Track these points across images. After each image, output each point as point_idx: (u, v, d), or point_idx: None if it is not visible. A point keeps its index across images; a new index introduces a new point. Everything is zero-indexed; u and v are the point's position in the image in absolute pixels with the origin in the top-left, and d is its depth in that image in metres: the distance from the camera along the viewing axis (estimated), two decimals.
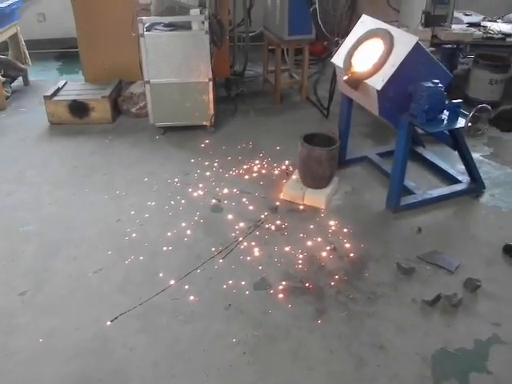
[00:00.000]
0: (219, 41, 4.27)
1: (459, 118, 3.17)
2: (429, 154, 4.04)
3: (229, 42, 5.33)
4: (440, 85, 3.02)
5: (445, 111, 3.16)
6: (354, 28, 3.46)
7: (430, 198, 3.50)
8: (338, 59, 3.47)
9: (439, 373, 2.28)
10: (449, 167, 3.85)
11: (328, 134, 3.60)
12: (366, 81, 3.13)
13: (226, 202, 3.50)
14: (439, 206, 3.49)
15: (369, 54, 3.22)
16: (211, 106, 4.31)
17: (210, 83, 4.21)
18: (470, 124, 2.93)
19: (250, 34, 5.61)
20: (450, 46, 4.89)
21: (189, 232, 3.19)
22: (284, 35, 4.69)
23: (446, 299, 2.69)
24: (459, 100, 3.13)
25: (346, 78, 3.24)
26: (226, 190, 3.62)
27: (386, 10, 6.23)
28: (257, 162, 3.98)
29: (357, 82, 3.18)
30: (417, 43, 2.97)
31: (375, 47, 3.18)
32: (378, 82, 3.05)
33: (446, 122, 3.16)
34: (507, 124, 4.56)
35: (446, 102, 3.10)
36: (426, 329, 2.52)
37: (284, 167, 3.88)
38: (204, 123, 4.40)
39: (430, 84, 3.01)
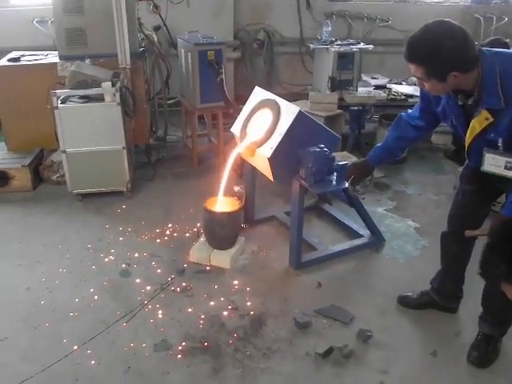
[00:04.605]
0: (132, 112, 4.51)
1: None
2: (334, 210, 4.30)
3: (151, 109, 5.60)
4: (325, 149, 3.30)
5: (334, 173, 3.42)
6: (249, 99, 3.73)
7: (331, 253, 3.72)
8: (235, 128, 3.73)
9: None
10: (352, 222, 4.08)
11: (234, 196, 3.84)
12: (258, 149, 3.39)
13: (135, 266, 3.63)
14: (341, 261, 3.71)
15: (261, 123, 3.48)
16: (127, 172, 4.50)
17: (124, 151, 4.42)
18: (351, 186, 3.17)
19: (171, 101, 5.93)
20: (356, 107, 5.28)
21: (96, 297, 3.30)
22: (196, 103, 4.96)
23: (338, 351, 2.87)
24: (344, 162, 3.41)
25: (240, 146, 3.51)
26: (136, 255, 3.76)
27: (303, 73, 6.77)
28: (169, 225, 4.14)
29: (251, 150, 3.45)
30: (299, 113, 3.25)
31: (266, 117, 3.45)
32: (267, 150, 3.31)
33: (333, 182, 3.42)
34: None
35: (334, 164, 3.37)
36: (317, 381, 2.69)
37: (195, 230, 4.04)
38: (121, 189, 4.57)
39: (316, 148, 3.29)
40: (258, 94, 3.65)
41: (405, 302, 3.26)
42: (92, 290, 3.37)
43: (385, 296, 3.33)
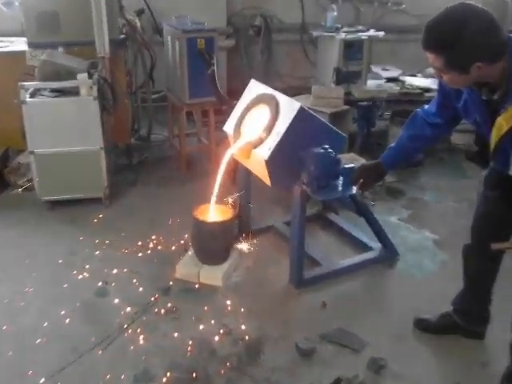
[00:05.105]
0: (111, 107, 4.46)
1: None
2: (341, 220, 4.26)
3: (133, 105, 5.56)
4: (330, 150, 3.25)
5: (340, 177, 3.38)
6: (244, 94, 3.69)
7: (338, 269, 3.69)
8: (229, 127, 3.69)
9: None
10: (361, 234, 4.05)
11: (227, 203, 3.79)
12: (254, 150, 3.35)
13: (113, 284, 3.57)
14: (349, 278, 3.67)
15: (257, 120, 3.45)
16: (105, 176, 4.45)
17: (102, 152, 4.37)
18: (359, 191, 3.14)
19: (156, 95, 5.89)
20: (365, 103, 5.25)
21: (68, 321, 3.23)
22: (185, 98, 4.92)
23: (347, 382, 2.80)
24: (352, 165, 3.36)
25: (234, 147, 3.47)
26: (115, 271, 3.70)
27: (305, 64, 6.74)
28: (153, 237, 4.09)
29: (246, 152, 3.41)
30: (300, 109, 3.21)
31: (262, 114, 3.42)
32: (264, 151, 3.27)
33: (339, 188, 3.38)
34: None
35: (341, 167, 3.33)
36: None
37: (183, 242, 4.00)
38: (98, 196, 4.52)
39: (320, 150, 3.25)
40: (254, 87, 3.62)
41: (423, 326, 3.20)
42: (63, 313, 3.30)
43: (400, 318, 3.28)
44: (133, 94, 5.54)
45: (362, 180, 3.16)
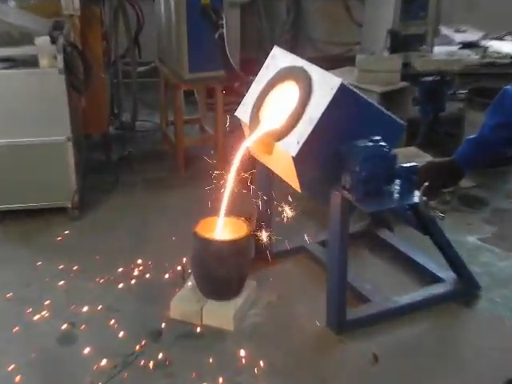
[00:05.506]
0: (82, 84, 4.45)
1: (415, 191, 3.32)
2: (397, 240, 4.23)
3: (111, 81, 5.57)
4: (382, 143, 3.20)
5: (396, 180, 3.33)
6: (263, 66, 3.66)
7: (393, 308, 3.65)
8: (243, 112, 3.65)
9: None
10: (426, 259, 4.02)
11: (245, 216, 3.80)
12: (278, 143, 3.32)
13: (83, 327, 3.54)
14: (409, 320, 3.62)
15: (281, 103, 3.42)
16: (73, 178, 4.45)
17: (70, 144, 4.37)
18: (424, 198, 3.09)
19: (143, 68, 5.88)
20: (431, 78, 5.22)
21: (18, 379, 3.19)
22: (183, 72, 4.91)
23: None
24: (413, 163, 3.30)
25: (250, 139, 3.45)
26: (85, 309, 3.68)
27: (347, 26, 6.71)
28: (139, 261, 4.09)
29: (266, 146, 3.39)
30: (341, 87, 3.15)
31: (290, 94, 3.38)
32: (292, 144, 3.23)
33: (395, 195, 3.32)
34: None
35: (397, 166, 3.28)
36: None
37: (180, 268, 3.99)
38: (63, 204, 4.52)
39: (368, 143, 3.19)
40: (278, 58, 3.61)
41: None
42: (13, 367, 3.25)
43: (482, 379, 3.23)
44: (112, 65, 5.55)
45: (427, 184, 3.13)
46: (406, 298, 3.73)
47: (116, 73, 5.62)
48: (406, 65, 5.19)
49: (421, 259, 4.03)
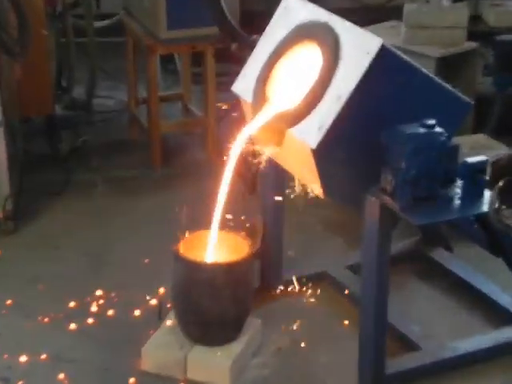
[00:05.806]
0: (17, 45, 4.36)
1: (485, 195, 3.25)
2: (458, 264, 4.19)
3: (57, 41, 5.52)
4: (438, 129, 3.10)
5: (456, 181, 3.25)
6: (271, 21, 3.63)
7: (450, 358, 3.59)
8: (243, 86, 3.60)
9: None
10: (497, 291, 3.99)
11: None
12: (291, 130, 3.24)
13: (21, 382, 3.49)
14: (475, 374, 3.56)
15: (297, 74, 3.37)
16: (5, 177, 4.42)
17: (1, 130, 4.33)
18: (496, 206, 3.02)
19: (103, 22, 5.84)
20: (510, 36, 5.13)
21: None
22: (160, 29, 4.87)
23: None
24: (483, 157, 3.22)
25: (254, 124, 3.38)
26: (23, 358, 3.62)
27: None
28: (98, 292, 4.06)
29: (276, 133, 3.31)
30: (381, 51, 3.06)
31: (308, 61, 3.32)
32: (311, 132, 3.13)
33: (457, 202, 3.24)
34: None
35: (459, 161, 3.19)
36: None
37: (155, 302, 3.96)
38: None
39: (419, 128, 3.10)
40: (293, 10, 3.56)
41: None
42: None
43: None
44: (57, 18, 5.47)
45: (501, 185, 3.04)
46: (469, 345, 3.67)
47: (64, 29, 5.56)
48: (474, 18, 5.20)
49: (490, 290, 4.00)
